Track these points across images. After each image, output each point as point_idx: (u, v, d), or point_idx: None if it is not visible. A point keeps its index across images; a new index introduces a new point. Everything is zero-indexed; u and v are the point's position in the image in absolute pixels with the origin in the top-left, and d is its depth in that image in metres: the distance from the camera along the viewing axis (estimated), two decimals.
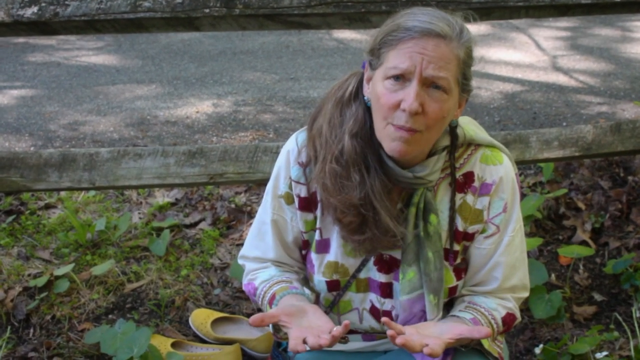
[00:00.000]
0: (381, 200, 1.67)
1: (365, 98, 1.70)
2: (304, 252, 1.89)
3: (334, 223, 1.75)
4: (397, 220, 1.70)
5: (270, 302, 1.78)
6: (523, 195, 3.33)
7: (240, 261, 1.97)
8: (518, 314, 1.85)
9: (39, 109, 5.19)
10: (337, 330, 1.56)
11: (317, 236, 1.82)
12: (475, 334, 1.62)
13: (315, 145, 1.73)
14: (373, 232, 1.69)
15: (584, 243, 3.31)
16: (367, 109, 1.70)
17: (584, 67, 5.98)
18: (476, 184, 1.77)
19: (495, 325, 1.79)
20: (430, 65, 1.56)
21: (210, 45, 6.82)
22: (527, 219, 3.26)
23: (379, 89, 1.61)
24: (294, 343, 1.55)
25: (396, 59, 1.58)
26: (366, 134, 1.69)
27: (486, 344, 1.78)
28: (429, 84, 1.58)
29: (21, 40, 6.94)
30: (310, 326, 1.61)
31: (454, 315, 1.78)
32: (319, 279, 1.83)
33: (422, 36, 1.56)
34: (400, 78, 1.58)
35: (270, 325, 1.82)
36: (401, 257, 1.76)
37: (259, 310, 3.00)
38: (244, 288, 1.95)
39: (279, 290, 1.79)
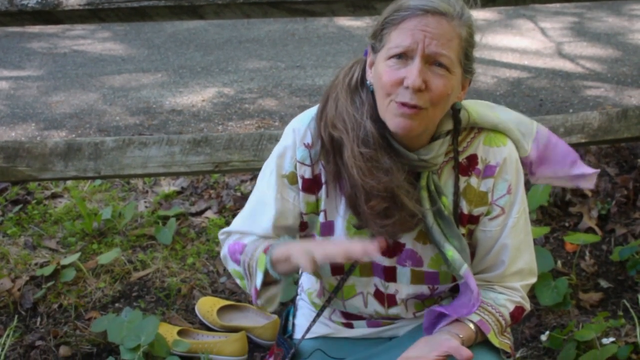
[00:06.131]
0: (400, 181, 1.67)
1: (368, 82, 1.70)
2: (302, 234, 1.87)
3: (364, 212, 1.70)
4: (417, 201, 1.69)
5: (266, 250, 1.70)
6: (529, 184, 3.32)
7: (222, 237, 1.92)
8: (527, 305, 1.85)
9: (45, 98, 5.19)
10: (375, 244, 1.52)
11: (321, 218, 1.80)
12: (458, 356, 1.63)
13: (338, 127, 1.69)
14: (400, 214, 1.68)
15: (590, 230, 3.31)
16: (372, 94, 1.70)
17: (590, 54, 5.95)
18: (480, 166, 1.77)
19: (503, 322, 1.79)
20: (432, 42, 1.55)
21: (216, 33, 6.81)
22: (535, 206, 3.25)
23: (380, 68, 1.61)
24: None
25: (398, 38, 1.58)
26: (378, 119, 1.68)
27: (496, 341, 1.77)
28: (431, 61, 1.57)
29: (27, 29, 6.94)
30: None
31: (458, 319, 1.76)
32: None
33: (424, 14, 1.56)
34: (403, 56, 1.58)
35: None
36: (433, 241, 1.73)
37: None
38: (224, 250, 1.87)
39: (274, 242, 1.73)
